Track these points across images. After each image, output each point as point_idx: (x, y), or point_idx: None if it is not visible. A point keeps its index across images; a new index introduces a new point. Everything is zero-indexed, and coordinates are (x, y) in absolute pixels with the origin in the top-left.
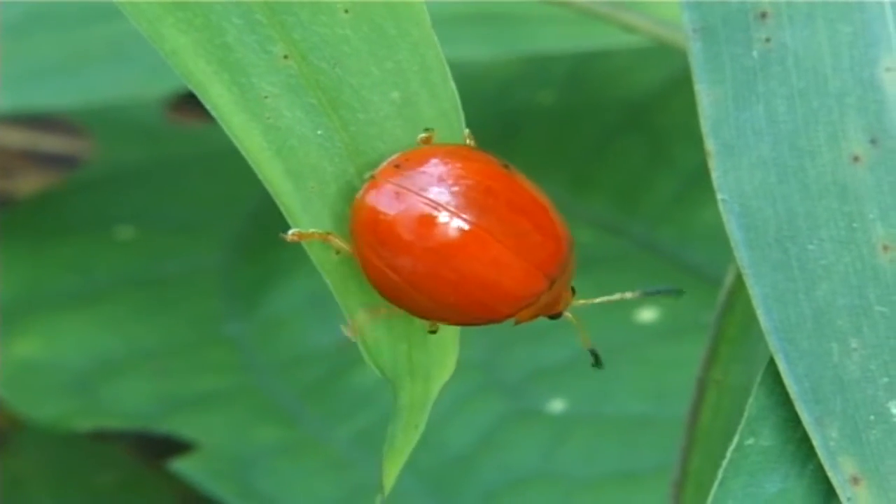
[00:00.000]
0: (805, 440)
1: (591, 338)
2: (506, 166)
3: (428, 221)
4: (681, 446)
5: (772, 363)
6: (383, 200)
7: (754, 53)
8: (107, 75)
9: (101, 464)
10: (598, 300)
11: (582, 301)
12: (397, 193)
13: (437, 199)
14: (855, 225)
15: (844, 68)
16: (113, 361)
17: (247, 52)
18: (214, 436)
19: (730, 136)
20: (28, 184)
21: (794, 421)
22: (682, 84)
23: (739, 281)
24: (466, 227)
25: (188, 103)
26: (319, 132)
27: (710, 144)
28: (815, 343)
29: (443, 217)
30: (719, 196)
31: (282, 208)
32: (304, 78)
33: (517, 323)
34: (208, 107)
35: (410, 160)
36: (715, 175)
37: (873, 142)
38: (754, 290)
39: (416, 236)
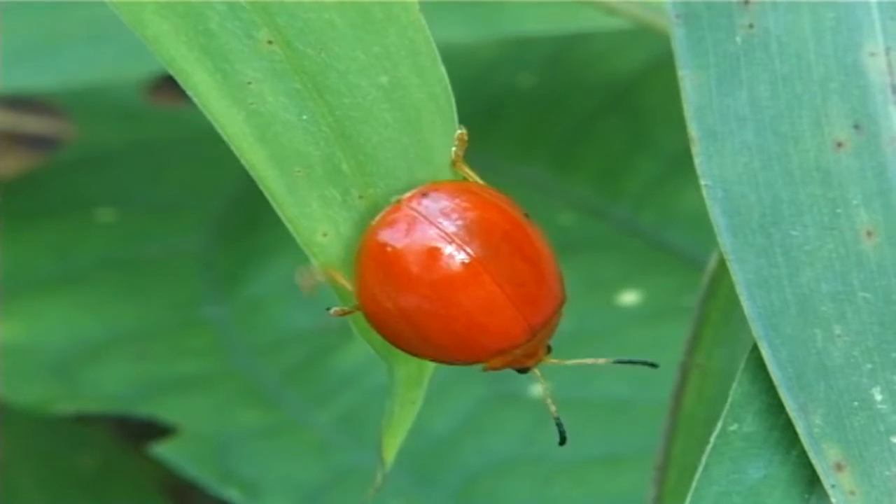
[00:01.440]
0: (789, 426)
1: (556, 401)
2: (526, 215)
3: (435, 253)
4: (663, 431)
5: (756, 349)
6: (399, 225)
7: (737, 39)
8: (86, 57)
9: (83, 446)
10: (570, 362)
11: (554, 360)
12: (414, 220)
13: (448, 231)
14: (839, 211)
15: (828, 54)
16: (93, 345)
17: (230, 38)
18: (195, 419)
19: (713, 122)
20: (8, 165)
21: (777, 407)
22: (663, 67)
23: (722, 265)
24: (471, 264)
25: (168, 85)
26: (304, 117)
27: (693, 130)
28: (798, 329)
29: (450, 250)
30: (702, 182)
31: (266, 193)
32: (288, 63)
33: (485, 370)
34: (190, 93)
35: (438, 192)
36: (698, 161)
37: (857, 127)
38: (737, 277)
39: (421, 265)
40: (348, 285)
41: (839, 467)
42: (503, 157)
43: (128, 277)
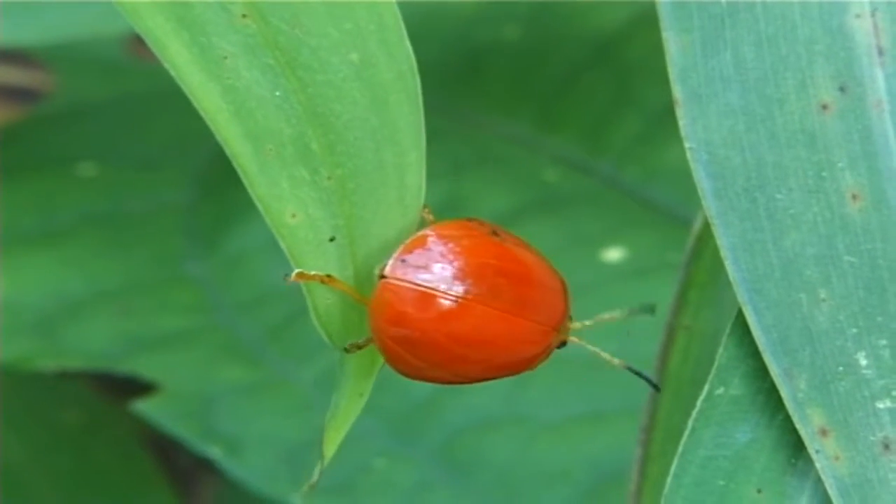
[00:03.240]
0: (775, 390)
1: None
2: (495, 233)
3: (448, 313)
4: (649, 392)
5: (741, 313)
6: (400, 300)
7: (722, 0)
8: (69, 11)
9: (65, 401)
10: (590, 322)
11: (578, 324)
12: (411, 291)
13: (450, 289)
14: (824, 174)
15: (813, 16)
16: (75, 301)
17: (205, 10)
18: (177, 376)
19: (697, 84)
20: None
21: (763, 371)
22: (647, 21)
23: (707, 226)
24: (477, 306)
25: None
26: (277, 93)
27: (677, 92)
28: (783, 293)
29: (459, 306)
30: (687, 145)
31: (239, 171)
32: (262, 37)
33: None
34: (167, 65)
35: (414, 252)
36: (682, 123)
37: (842, 89)
38: (722, 240)
39: (438, 327)
40: (347, 289)
41: (824, 432)
42: (488, 112)
43: (110, 233)
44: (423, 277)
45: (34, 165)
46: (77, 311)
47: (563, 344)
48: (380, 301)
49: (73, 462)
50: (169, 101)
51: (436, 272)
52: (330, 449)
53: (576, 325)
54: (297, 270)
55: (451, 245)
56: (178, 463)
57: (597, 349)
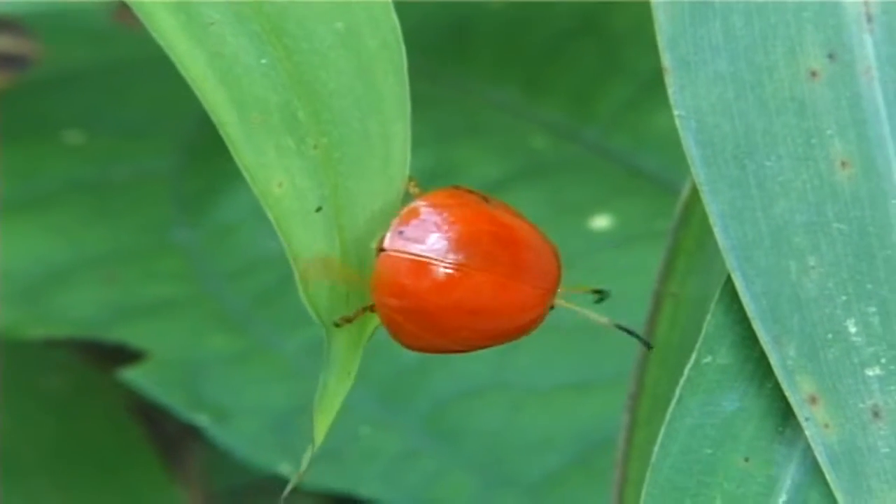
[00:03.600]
0: (763, 359)
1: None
2: (485, 200)
3: (450, 282)
4: (636, 359)
5: (730, 280)
6: (402, 272)
7: None
8: None
9: (52, 369)
10: (575, 290)
11: (565, 289)
12: (412, 263)
13: (451, 258)
14: (813, 141)
15: None
16: (62, 269)
17: None
18: (164, 344)
19: (686, 52)
20: None
21: (751, 339)
22: None
23: (695, 193)
24: (476, 274)
25: None
26: (264, 61)
27: (666, 60)
28: (772, 261)
29: (461, 274)
30: (676, 112)
31: (225, 139)
32: (248, 5)
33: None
34: (154, 33)
35: (410, 223)
36: (671, 91)
37: (831, 57)
38: (711, 208)
39: (441, 296)
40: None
41: (813, 400)
42: (475, 79)
43: (96, 200)
44: (422, 248)
45: (20, 133)
46: (63, 279)
47: (552, 307)
48: (381, 275)
49: (59, 429)
50: (155, 68)
51: (434, 242)
52: (320, 432)
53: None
54: (336, 319)
55: (445, 214)
56: (165, 430)
57: (586, 310)
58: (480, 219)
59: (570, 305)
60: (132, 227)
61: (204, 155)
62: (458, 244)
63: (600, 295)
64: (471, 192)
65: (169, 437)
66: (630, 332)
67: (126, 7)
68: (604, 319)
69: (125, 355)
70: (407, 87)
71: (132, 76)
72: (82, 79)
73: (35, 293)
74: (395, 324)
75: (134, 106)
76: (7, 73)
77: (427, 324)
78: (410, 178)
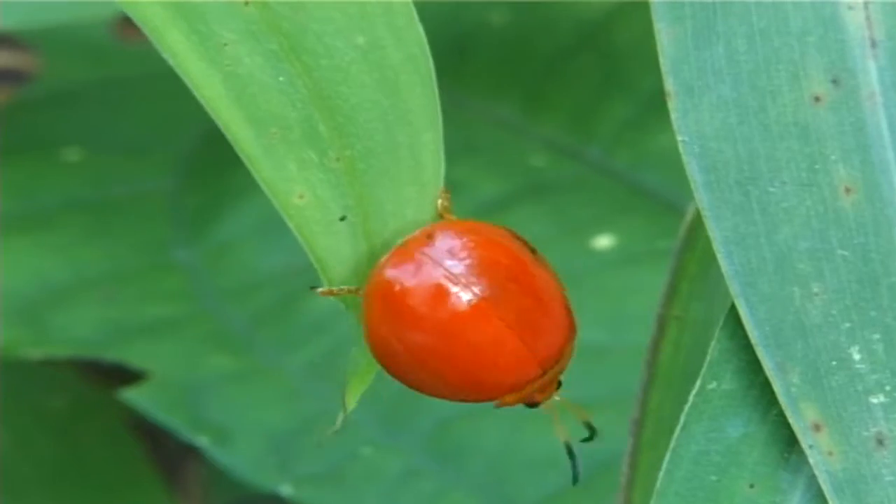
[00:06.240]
0: (768, 385)
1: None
2: (533, 251)
3: (442, 294)
4: (640, 383)
5: (734, 306)
6: (406, 268)
7: None
8: None
9: (52, 388)
10: (572, 406)
11: (558, 398)
12: (420, 262)
13: (454, 273)
14: (817, 167)
15: (806, 6)
16: (60, 288)
17: None
18: (164, 364)
19: (689, 76)
20: None
21: (756, 365)
22: (636, 6)
23: (699, 217)
24: (477, 304)
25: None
26: (281, 78)
27: (669, 84)
28: (776, 287)
29: (456, 290)
30: (679, 137)
31: (242, 155)
32: (265, 24)
33: (497, 406)
34: (165, 55)
35: (444, 232)
36: (674, 116)
37: (835, 82)
38: (714, 234)
39: (428, 306)
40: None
41: (817, 427)
42: (475, 97)
43: (95, 219)
44: (439, 256)
45: (18, 149)
46: (62, 298)
47: (535, 405)
48: (392, 263)
49: (59, 448)
50: (156, 84)
51: (459, 261)
52: (352, 400)
53: (558, 397)
54: (321, 289)
55: (476, 238)
56: (165, 446)
57: (556, 418)
58: (512, 259)
59: (550, 412)
60: (131, 245)
61: (204, 173)
62: (478, 274)
63: (590, 432)
64: (521, 238)
65: (169, 453)
66: (571, 456)
67: (128, 23)
68: (562, 439)
69: (125, 373)
70: (436, 98)
71: (132, 93)
72: (82, 95)
73: (33, 312)
74: (379, 334)
75: (133, 123)
76: (6, 88)
77: (409, 340)
78: (446, 190)
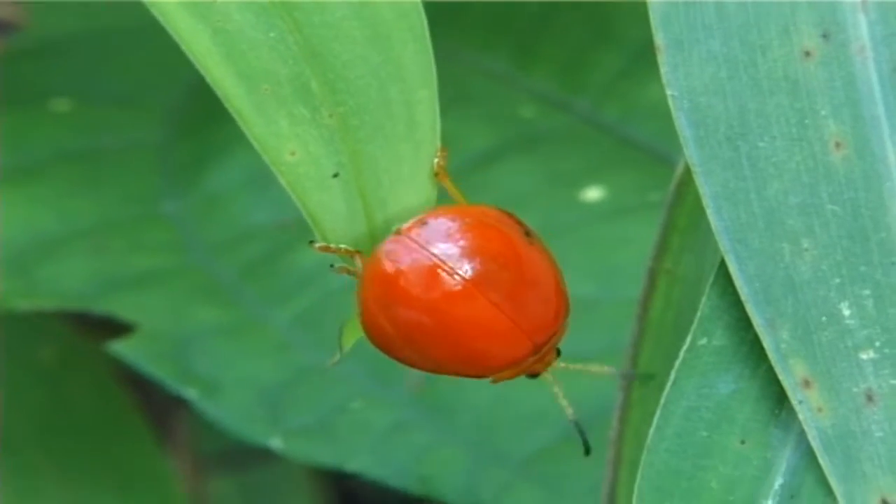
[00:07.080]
0: (758, 341)
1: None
2: (527, 234)
3: (433, 279)
4: (631, 338)
5: (725, 262)
6: (399, 255)
7: None
8: None
9: (41, 339)
10: (574, 367)
11: (562, 364)
12: (413, 249)
13: (445, 258)
14: (807, 122)
15: None
16: (49, 239)
17: None
18: (153, 316)
19: (679, 31)
20: None
21: (747, 321)
22: None
23: (689, 171)
24: (467, 289)
25: None
26: (272, 34)
27: (659, 39)
28: (766, 243)
29: (446, 276)
30: (669, 92)
31: (233, 112)
32: None
33: (494, 382)
34: (153, 11)
35: (437, 219)
36: (664, 70)
37: (825, 36)
38: (704, 189)
39: (420, 292)
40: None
41: (806, 383)
42: (466, 48)
43: (84, 170)
44: (436, 249)
45: (6, 100)
46: (51, 250)
47: (535, 375)
48: (386, 250)
49: (48, 399)
50: (145, 36)
51: (448, 248)
52: (347, 342)
53: (559, 364)
54: (318, 244)
55: (467, 224)
56: (154, 397)
57: (559, 393)
58: (506, 244)
59: (552, 382)
60: (120, 197)
61: (193, 125)
62: (469, 257)
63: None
64: (518, 221)
65: (158, 403)
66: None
67: None
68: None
69: (114, 325)
70: (430, 55)
71: (120, 44)
72: (70, 46)
73: (22, 264)
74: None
75: (122, 75)
76: None
77: (399, 318)
78: (442, 148)
